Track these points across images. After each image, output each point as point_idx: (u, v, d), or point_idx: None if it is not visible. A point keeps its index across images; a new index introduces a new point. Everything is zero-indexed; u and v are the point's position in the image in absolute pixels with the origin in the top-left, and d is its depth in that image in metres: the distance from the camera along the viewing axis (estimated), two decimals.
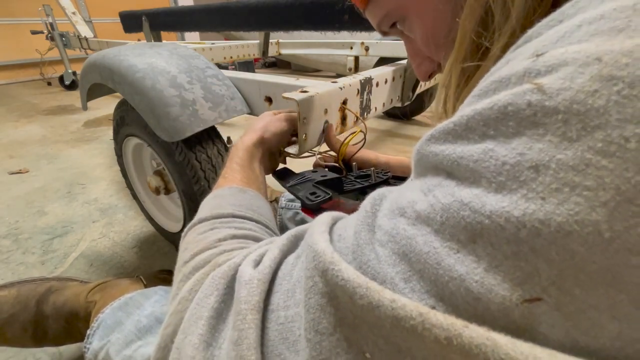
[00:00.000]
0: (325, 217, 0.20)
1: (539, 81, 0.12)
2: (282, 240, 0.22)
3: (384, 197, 0.17)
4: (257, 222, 0.30)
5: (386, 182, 0.43)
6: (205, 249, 0.26)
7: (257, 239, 0.28)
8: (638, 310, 0.10)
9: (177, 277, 0.25)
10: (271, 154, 0.46)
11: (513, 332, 0.11)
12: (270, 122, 0.45)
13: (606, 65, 0.10)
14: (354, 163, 0.48)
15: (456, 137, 0.14)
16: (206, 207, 0.31)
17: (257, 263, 0.21)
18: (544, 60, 0.12)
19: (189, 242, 0.27)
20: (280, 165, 0.51)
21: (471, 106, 0.14)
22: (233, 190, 0.34)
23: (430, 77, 0.31)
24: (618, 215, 0.10)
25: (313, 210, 0.37)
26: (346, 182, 0.44)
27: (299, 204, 0.72)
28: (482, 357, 0.11)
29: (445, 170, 0.14)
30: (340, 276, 0.14)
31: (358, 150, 0.50)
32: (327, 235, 0.17)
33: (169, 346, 0.21)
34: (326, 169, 0.50)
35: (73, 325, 0.55)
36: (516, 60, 0.13)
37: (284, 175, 0.47)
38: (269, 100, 0.63)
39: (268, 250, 0.21)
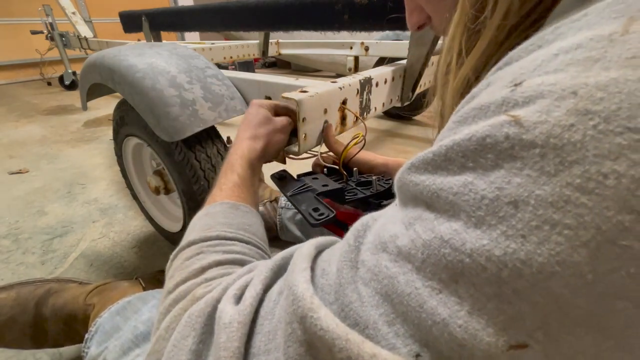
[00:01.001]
0: (309, 248, 0.19)
1: (516, 113, 0.11)
2: (266, 270, 0.21)
3: (368, 228, 0.17)
4: (247, 242, 0.30)
5: (387, 191, 0.43)
6: (188, 279, 0.25)
7: (244, 263, 0.27)
8: (628, 354, 0.10)
9: (160, 307, 0.25)
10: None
11: None
12: (272, 131, 0.44)
13: (581, 99, 0.10)
14: (354, 169, 0.48)
15: (436, 167, 0.14)
16: (196, 227, 0.31)
17: (238, 298, 0.20)
18: (521, 90, 0.12)
19: (175, 270, 0.27)
20: (280, 167, 0.50)
21: (450, 136, 0.14)
22: (225, 207, 0.33)
23: (419, 28, 0.29)
24: (600, 257, 0.09)
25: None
26: (347, 190, 0.44)
27: None
28: None
29: (425, 201, 0.14)
30: (319, 325, 0.14)
31: (357, 152, 0.50)
32: (308, 274, 0.17)
33: None
34: (325, 169, 0.50)
35: (72, 327, 0.55)
36: (495, 85, 0.13)
37: (283, 180, 0.47)
38: (268, 100, 0.63)
39: (250, 283, 0.21)
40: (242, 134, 0.42)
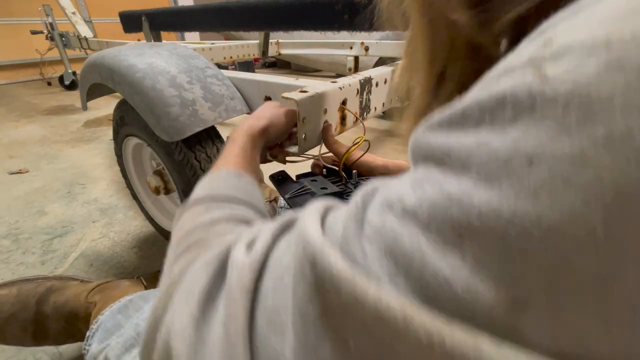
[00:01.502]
0: (318, 206, 0.19)
1: (542, 69, 0.11)
2: (274, 225, 0.22)
3: (376, 191, 0.17)
4: (251, 208, 0.31)
5: None
6: (198, 229, 0.26)
7: (249, 223, 0.28)
8: (631, 317, 0.09)
9: (169, 258, 0.25)
10: (266, 147, 0.47)
11: (498, 335, 0.11)
12: (276, 114, 0.45)
13: (613, 52, 0.09)
14: (354, 171, 0.48)
15: (451, 125, 0.13)
16: (201, 188, 0.31)
17: (249, 247, 0.21)
18: (550, 47, 0.11)
19: (183, 222, 0.27)
20: (279, 167, 0.51)
21: (471, 95, 0.13)
22: (230, 174, 0.34)
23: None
24: (616, 215, 0.09)
25: None
26: (346, 193, 0.44)
27: None
28: None
29: (436, 161, 0.14)
30: (328, 267, 0.14)
31: (360, 157, 0.49)
32: (318, 224, 0.17)
33: (159, 327, 0.21)
34: (324, 170, 0.50)
35: (73, 325, 0.55)
36: (524, 49, 0.13)
37: (282, 181, 0.47)
38: (268, 100, 0.64)
39: (260, 234, 0.21)
40: (248, 118, 0.44)
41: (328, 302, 0.14)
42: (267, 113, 0.45)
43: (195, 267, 0.22)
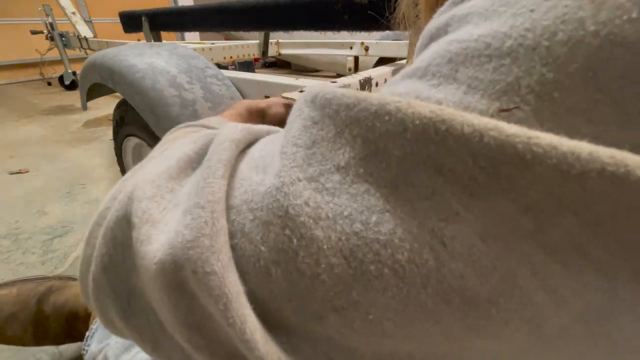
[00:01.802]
0: None
1: None
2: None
3: None
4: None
5: None
6: (190, 133, 0.24)
7: None
8: (614, 111, 0.09)
9: (150, 152, 0.23)
10: None
11: None
12: (275, 103, 0.45)
13: None
14: None
15: (458, 2, 0.14)
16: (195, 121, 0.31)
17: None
18: None
19: (172, 133, 0.26)
20: None
21: None
22: (224, 122, 0.33)
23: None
24: (604, 8, 0.09)
25: None
26: None
27: None
28: (465, 139, 0.10)
29: (441, 33, 0.14)
30: (329, 94, 0.13)
31: None
32: None
33: (120, 191, 0.18)
34: None
35: (73, 325, 0.55)
36: None
37: None
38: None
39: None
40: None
41: (325, 127, 0.13)
42: (268, 100, 0.45)
43: (180, 142, 0.20)
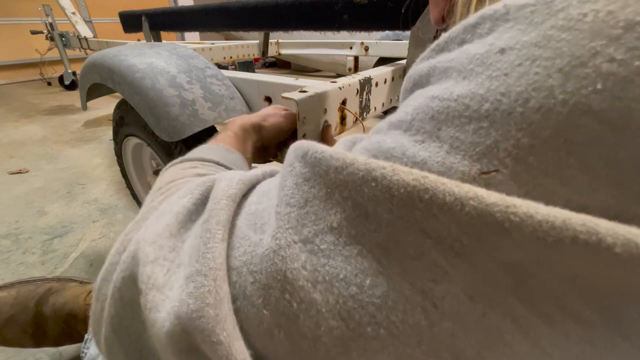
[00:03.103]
0: None
1: None
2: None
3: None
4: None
5: None
6: (181, 178, 0.25)
7: None
8: (584, 175, 0.10)
9: (148, 197, 0.24)
10: (264, 148, 0.46)
11: None
12: (271, 114, 0.45)
13: None
14: None
15: (439, 50, 0.15)
16: (192, 152, 0.31)
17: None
18: None
19: (166, 174, 0.27)
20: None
21: (456, 25, 0.14)
22: (221, 147, 0.34)
23: (443, 20, 0.31)
24: (572, 78, 0.10)
25: None
26: None
27: None
28: (448, 207, 0.10)
29: (422, 80, 0.15)
30: (318, 153, 0.14)
31: None
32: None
33: (126, 246, 0.19)
34: None
35: (72, 327, 0.55)
36: None
37: None
38: (268, 100, 0.64)
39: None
40: (241, 117, 0.44)
41: (316, 185, 0.13)
42: (263, 112, 0.45)
43: (178, 192, 0.20)
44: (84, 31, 2.24)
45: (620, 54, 0.10)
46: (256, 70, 3.66)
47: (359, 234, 0.12)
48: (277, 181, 0.16)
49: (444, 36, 0.14)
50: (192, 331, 0.13)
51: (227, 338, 0.13)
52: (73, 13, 2.30)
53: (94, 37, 2.22)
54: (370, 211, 0.12)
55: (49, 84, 3.40)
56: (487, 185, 0.11)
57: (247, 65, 3.14)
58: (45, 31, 2.80)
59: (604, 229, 0.09)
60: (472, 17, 0.13)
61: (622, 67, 0.10)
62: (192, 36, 4.12)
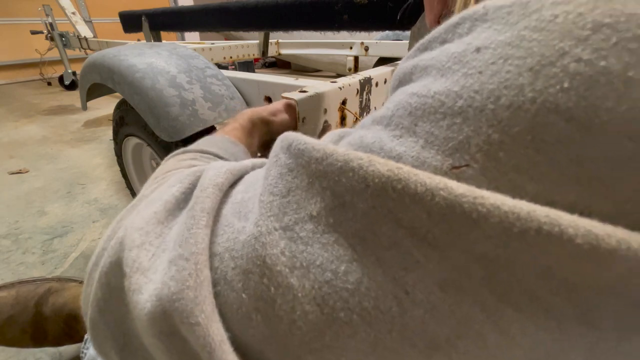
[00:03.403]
0: None
1: None
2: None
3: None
4: None
5: None
6: (180, 168, 0.25)
7: None
8: (552, 172, 0.10)
9: (144, 185, 0.25)
10: (272, 142, 0.46)
11: None
12: (278, 110, 0.45)
13: None
14: None
15: (422, 49, 0.15)
16: (195, 144, 0.31)
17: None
18: None
19: (166, 165, 0.27)
20: None
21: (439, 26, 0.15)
22: (226, 139, 0.34)
23: (438, 22, 0.31)
24: (541, 77, 0.10)
25: None
26: None
27: None
28: (419, 197, 0.11)
29: (407, 78, 0.15)
30: (302, 144, 0.14)
31: None
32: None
33: (116, 232, 0.19)
34: None
35: (72, 327, 0.55)
36: None
37: None
38: (268, 100, 0.64)
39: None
40: (250, 109, 0.44)
41: (299, 175, 0.14)
42: (273, 107, 0.45)
43: (168, 183, 0.21)
44: (84, 31, 2.24)
45: (587, 54, 0.10)
46: (256, 70, 3.66)
47: (337, 223, 0.12)
48: (263, 171, 0.17)
49: (428, 36, 0.15)
50: (172, 312, 0.14)
51: (205, 320, 0.13)
52: (73, 13, 2.30)
53: (94, 37, 2.22)
54: (347, 201, 0.12)
55: (49, 84, 3.40)
56: (458, 179, 0.11)
57: (247, 65, 3.13)
58: (45, 31, 2.80)
59: (566, 220, 0.09)
60: (454, 17, 0.14)
61: (588, 67, 0.10)
62: (192, 36, 4.12)
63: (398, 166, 0.11)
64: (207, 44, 1.45)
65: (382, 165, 0.12)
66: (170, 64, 0.63)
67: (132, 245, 0.17)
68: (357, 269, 0.12)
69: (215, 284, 0.14)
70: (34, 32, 2.90)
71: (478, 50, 0.12)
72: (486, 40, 0.12)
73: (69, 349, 0.61)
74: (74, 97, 2.78)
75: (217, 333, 0.13)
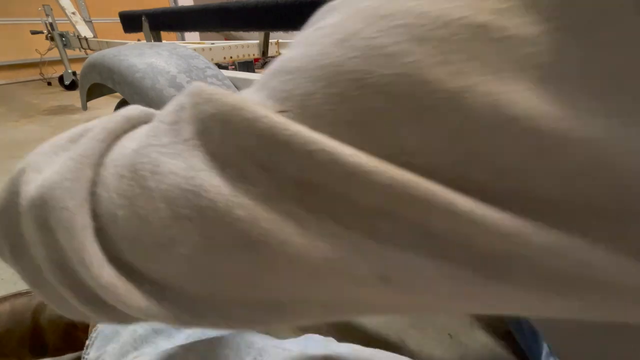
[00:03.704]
0: None
1: None
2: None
3: None
4: None
5: None
6: None
7: None
8: (338, 117, 0.12)
9: None
10: None
11: None
12: None
13: None
14: None
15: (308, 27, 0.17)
16: None
17: None
18: None
19: None
20: None
21: None
22: None
23: None
24: (342, 48, 0.12)
25: None
26: None
27: None
28: (248, 123, 0.13)
29: None
30: (197, 86, 0.16)
31: None
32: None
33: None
34: None
35: (73, 335, 0.54)
36: None
37: None
38: None
39: None
40: None
41: (192, 106, 0.16)
42: None
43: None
44: (84, 31, 2.24)
45: (371, 33, 0.12)
46: (256, 70, 3.65)
47: (201, 144, 0.14)
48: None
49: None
50: (48, 199, 0.16)
51: (73, 207, 0.15)
52: (73, 13, 2.30)
53: (94, 37, 2.22)
54: (208, 126, 0.14)
55: (49, 84, 3.40)
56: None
57: (247, 65, 3.13)
58: (45, 31, 2.80)
59: (334, 143, 0.12)
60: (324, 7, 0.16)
61: (369, 42, 0.12)
62: (192, 36, 4.12)
63: (242, 99, 0.13)
64: (207, 44, 1.45)
65: (231, 97, 0.14)
66: (170, 64, 0.63)
67: (38, 152, 0.20)
68: (205, 176, 0.14)
69: (95, 185, 0.16)
70: (34, 32, 2.90)
71: (317, 29, 0.14)
72: (325, 22, 0.14)
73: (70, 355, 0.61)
74: (74, 97, 2.78)
75: (82, 220, 0.15)
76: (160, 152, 0.15)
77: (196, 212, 0.14)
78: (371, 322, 0.66)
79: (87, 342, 0.47)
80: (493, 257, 0.11)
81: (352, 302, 0.15)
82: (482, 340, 0.64)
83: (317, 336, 0.40)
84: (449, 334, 0.64)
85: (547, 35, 0.10)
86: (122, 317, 0.18)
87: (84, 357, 0.46)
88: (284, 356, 0.34)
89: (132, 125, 0.19)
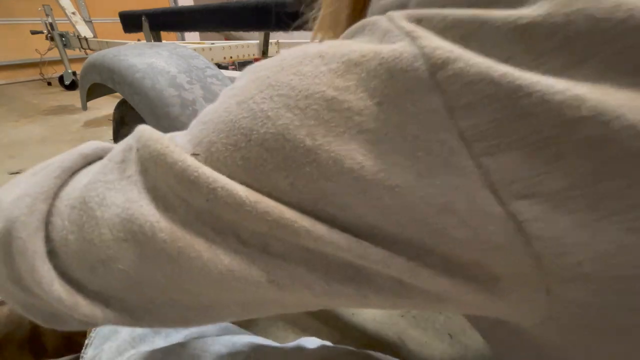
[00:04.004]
0: None
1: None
2: None
3: None
4: None
5: None
6: None
7: None
8: (242, 165, 0.15)
9: None
10: None
11: None
12: None
13: None
14: None
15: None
16: None
17: None
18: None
19: None
20: None
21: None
22: None
23: None
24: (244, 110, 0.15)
25: None
26: None
27: None
28: (169, 166, 0.15)
29: None
30: (140, 130, 0.18)
31: None
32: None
33: None
34: None
35: (72, 339, 0.54)
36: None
37: None
38: None
39: None
40: None
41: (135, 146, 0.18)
42: None
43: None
44: (84, 31, 2.24)
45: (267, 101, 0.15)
46: None
47: (140, 182, 0.17)
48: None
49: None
50: (9, 232, 0.19)
51: (27, 236, 0.18)
52: (73, 13, 2.30)
53: (94, 37, 2.22)
54: (147, 167, 0.17)
55: (49, 84, 3.40)
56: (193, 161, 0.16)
57: (247, 66, 3.13)
58: (45, 31, 2.80)
59: (230, 182, 0.15)
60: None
61: (265, 108, 0.15)
62: (192, 36, 4.12)
63: (167, 146, 0.16)
64: (207, 44, 1.45)
65: (159, 144, 0.16)
66: (170, 64, 0.63)
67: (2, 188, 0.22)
68: (137, 207, 0.17)
69: (50, 215, 0.19)
70: (34, 32, 2.90)
71: (231, 89, 0.17)
72: (237, 83, 0.17)
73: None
74: (74, 97, 2.78)
75: (32, 247, 0.18)
76: (107, 187, 0.18)
77: (130, 235, 0.17)
78: (371, 322, 0.66)
79: (86, 342, 0.47)
80: (344, 266, 0.15)
81: (258, 301, 0.17)
82: (482, 340, 0.64)
83: (313, 339, 0.40)
84: (449, 334, 0.64)
85: (372, 108, 0.13)
86: (76, 324, 0.21)
87: (81, 357, 0.46)
88: (280, 358, 0.34)
89: (88, 161, 0.22)
